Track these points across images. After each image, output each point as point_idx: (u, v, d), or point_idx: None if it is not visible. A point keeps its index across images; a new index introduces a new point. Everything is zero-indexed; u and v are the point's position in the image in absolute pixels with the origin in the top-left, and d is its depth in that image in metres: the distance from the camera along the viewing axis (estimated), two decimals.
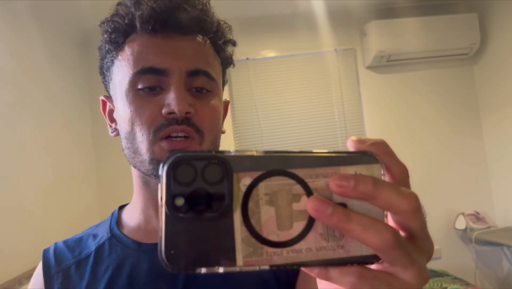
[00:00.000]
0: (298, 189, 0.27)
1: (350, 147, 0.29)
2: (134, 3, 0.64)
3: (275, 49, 3.15)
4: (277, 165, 0.27)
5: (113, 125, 0.73)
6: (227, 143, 3.01)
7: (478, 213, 3.06)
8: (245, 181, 0.27)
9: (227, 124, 3.05)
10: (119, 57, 0.66)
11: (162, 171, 0.26)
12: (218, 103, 0.69)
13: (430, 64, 3.19)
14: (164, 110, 0.61)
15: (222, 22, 0.73)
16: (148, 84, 0.63)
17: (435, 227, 3.10)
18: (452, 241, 3.14)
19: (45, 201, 2.25)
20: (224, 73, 0.77)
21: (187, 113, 0.61)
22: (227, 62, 0.76)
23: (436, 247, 3.09)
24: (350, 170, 0.28)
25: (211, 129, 0.67)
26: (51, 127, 2.42)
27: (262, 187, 0.27)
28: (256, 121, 3.10)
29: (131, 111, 0.63)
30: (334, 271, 0.27)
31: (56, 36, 2.63)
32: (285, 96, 3.13)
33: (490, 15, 3.03)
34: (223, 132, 0.75)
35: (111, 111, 0.74)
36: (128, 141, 0.65)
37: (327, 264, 0.27)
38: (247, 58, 3.08)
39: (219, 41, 0.71)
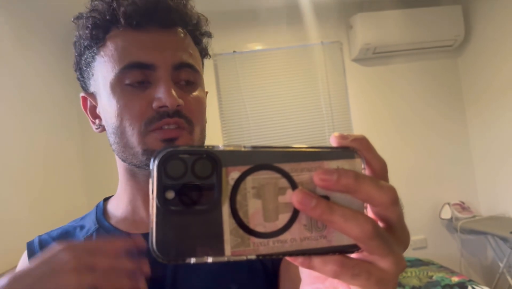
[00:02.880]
0: (283, 182, 0.28)
1: (333, 142, 0.31)
2: None
3: (261, 42, 3.15)
4: (264, 159, 0.28)
5: (97, 121, 0.73)
6: (215, 136, 3.01)
7: (463, 203, 3.12)
8: (234, 175, 0.28)
9: (215, 117, 3.06)
10: (101, 53, 0.66)
11: (153, 165, 0.27)
12: (202, 94, 0.71)
13: (415, 56, 3.22)
14: (155, 104, 0.62)
15: (200, 15, 0.73)
16: (135, 79, 0.63)
17: (421, 217, 3.15)
18: (437, 230, 3.19)
19: (28, 198, 2.23)
20: (203, 65, 0.78)
21: (177, 106, 0.62)
22: (205, 53, 0.77)
23: (422, 236, 3.14)
24: (333, 164, 0.29)
25: (199, 120, 0.68)
26: (36, 122, 2.39)
27: (249, 180, 0.28)
28: (243, 114, 3.11)
29: (120, 106, 0.63)
30: (316, 260, 0.28)
31: (43, 22, 2.59)
32: (272, 89, 3.13)
33: (474, 6, 3.06)
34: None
35: (93, 108, 0.73)
36: (116, 136, 0.65)
37: (310, 253, 0.28)
38: (234, 51, 3.07)
39: (197, 33, 0.72)
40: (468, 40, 3.13)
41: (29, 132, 2.31)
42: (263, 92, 3.13)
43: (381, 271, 0.28)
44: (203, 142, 0.72)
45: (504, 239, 2.64)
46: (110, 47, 0.65)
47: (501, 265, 2.84)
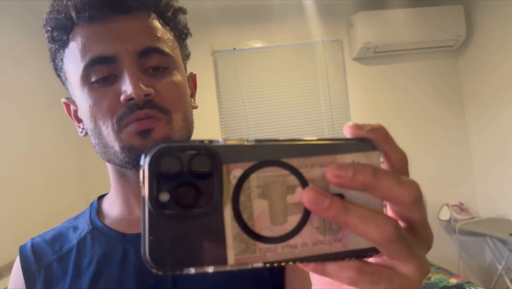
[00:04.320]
0: (292, 180, 0.25)
1: (347, 133, 0.27)
2: None
3: (262, 40, 3.13)
4: (270, 154, 0.25)
5: (81, 125, 0.69)
6: (214, 134, 2.99)
7: (461, 204, 3.10)
8: (236, 172, 0.25)
9: (214, 113, 3.04)
10: (67, 54, 0.63)
11: (144, 163, 0.24)
12: (180, 78, 0.66)
13: (416, 56, 3.21)
14: (122, 98, 0.58)
15: None
16: (100, 75, 0.60)
17: None
18: (436, 231, 3.18)
19: (24, 191, 2.21)
20: (182, 46, 0.72)
21: (146, 96, 0.58)
22: (182, 33, 0.71)
23: None
24: (348, 158, 0.26)
25: (178, 107, 0.64)
26: (32, 115, 2.37)
27: (254, 178, 0.25)
28: (242, 111, 3.09)
29: (90, 106, 0.60)
30: (331, 266, 0.26)
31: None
32: (271, 87, 3.11)
33: (475, 7, 3.05)
34: (195, 107, 0.73)
35: (76, 112, 0.70)
36: (95, 137, 0.63)
37: (324, 259, 0.26)
38: (234, 49, 3.05)
39: (166, 13, 0.67)
40: (469, 40, 3.12)
41: (26, 130, 2.29)
42: (263, 90, 3.11)
43: (403, 278, 0.26)
44: (190, 129, 0.67)
45: (503, 241, 2.62)
46: (72, 46, 0.62)
47: (500, 267, 2.83)
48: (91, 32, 0.60)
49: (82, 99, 0.62)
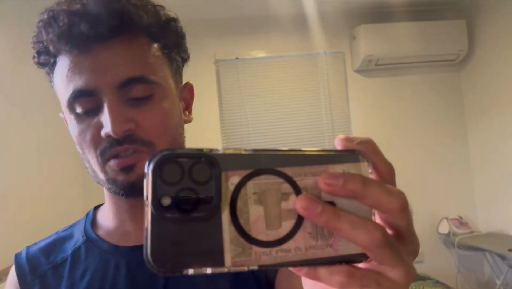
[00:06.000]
0: (287, 187, 0.27)
1: (338, 145, 0.29)
2: (43, 26, 0.58)
3: (265, 50, 3.16)
4: (266, 163, 0.27)
5: None
6: (215, 142, 3.00)
7: (461, 218, 3.10)
8: (234, 179, 0.26)
9: (215, 122, 3.06)
10: (55, 78, 0.63)
11: (148, 169, 0.25)
12: (165, 104, 0.62)
13: (418, 69, 3.23)
14: (102, 133, 0.58)
15: (150, 7, 0.63)
16: (84, 108, 0.59)
17: (418, 231, 3.01)
18: (435, 245, 3.17)
19: (25, 197, 2.21)
20: (174, 58, 0.68)
21: (126, 131, 0.57)
22: (175, 41, 0.67)
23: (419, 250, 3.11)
24: (339, 168, 0.28)
25: (163, 135, 0.62)
26: (36, 119, 2.38)
27: (250, 185, 0.26)
28: (244, 120, 3.10)
29: (76, 136, 0.61)
30: (322, 271, 0.27)
31: None
32: (273, 97, 3.13)
33: (478, 21, 3.07)
34: (189, 121, 0.72)
35: None
36: (85, 162, 0.64)
37: (315, 263, 0.27)
38: (237, 58, 3.08)
39: (153, 29, 0.62)
40: (471, 54, 3.14)
41: (29, 137, 2.30)
42: (264, 99, 3.13)
43: (391, 282, 0.27)
44: None
45: (502, 257, 2.62)
46: (58, 72, 0.61)
47: (498, 282, 2.82)
48: (72, 64, 0.58)
49: (70, 126, 0.62)
